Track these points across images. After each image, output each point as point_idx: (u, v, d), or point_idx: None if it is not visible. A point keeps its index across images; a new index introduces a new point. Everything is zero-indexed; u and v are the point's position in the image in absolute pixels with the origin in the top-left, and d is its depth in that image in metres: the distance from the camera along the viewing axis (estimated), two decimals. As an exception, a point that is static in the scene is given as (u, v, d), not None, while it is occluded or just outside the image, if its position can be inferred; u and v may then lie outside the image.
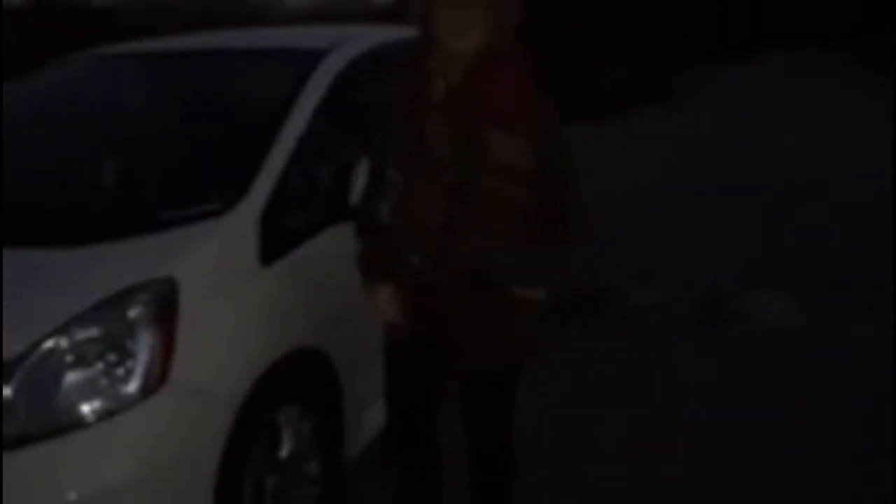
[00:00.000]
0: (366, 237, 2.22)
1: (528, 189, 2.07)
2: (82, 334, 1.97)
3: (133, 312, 2.02)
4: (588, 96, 10.01)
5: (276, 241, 2.40)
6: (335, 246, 2.50)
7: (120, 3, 14.65)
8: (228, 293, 2.24)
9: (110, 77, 3.09)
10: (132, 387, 1.98)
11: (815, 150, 7.83)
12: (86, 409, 1.94)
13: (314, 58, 2.86)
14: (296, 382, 2.44)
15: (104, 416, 1.95)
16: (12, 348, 1.92)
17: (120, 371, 1.99)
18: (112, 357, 1.99)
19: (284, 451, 2.42)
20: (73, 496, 1.90)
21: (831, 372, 3.68)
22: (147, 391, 1.99)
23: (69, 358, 1.96)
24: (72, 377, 1.97)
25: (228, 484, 2.16)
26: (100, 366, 1.98)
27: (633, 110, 10.60)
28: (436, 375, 2.28)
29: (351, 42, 3.05)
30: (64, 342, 1.97)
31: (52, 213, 2.39)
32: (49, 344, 1.95)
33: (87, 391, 1.96)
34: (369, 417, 2.77)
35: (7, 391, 1.91)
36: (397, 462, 2.43)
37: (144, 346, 2.00)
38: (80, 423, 1.94)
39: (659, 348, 4.09)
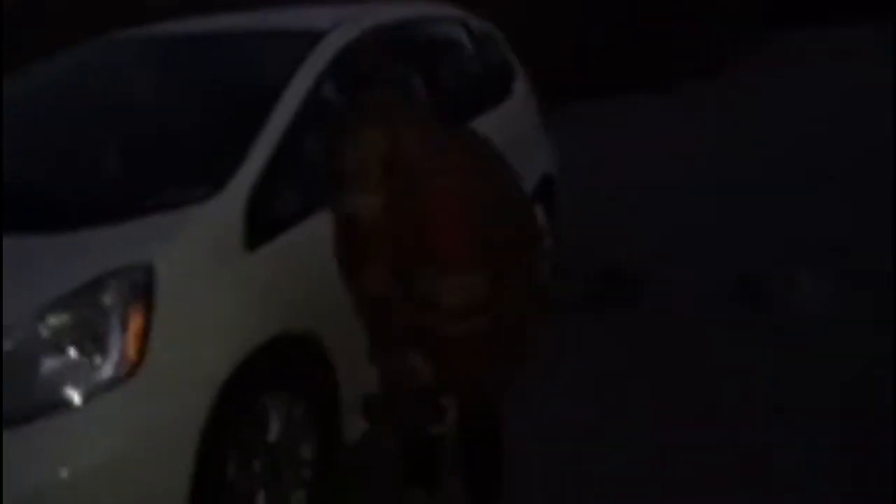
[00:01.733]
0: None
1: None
2: (57, 320, 2.00)
3: (107, 299, 2.04)
4: (644, 67, 9.87)
5: (262, 225, 2.39)
6: (325, 230, 2.49)
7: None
8: (210, 278, 2.25)
9: (99, 62, 3.12)
10: (107, 371, 2.01)
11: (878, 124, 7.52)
12: (65, 393, 1.98)
13: (311, 40, 2.84)
14: (284, 366, 2.45)
15: (84, 399, 1.98)
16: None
17: (96, 356, 2.02)
18: (87, 343, 2.02)
19: (272, 435, 2.43)
20: (64, 473, 1.93)
21: (865, 355, 3.58)
22: (122, 376, 2.02)
23: (46, 343, 2.00)
24: (49, 363, 2.00)
25: (211, 465, 2.17)
26: (75, 351, 2.01)
27: (689, 82, 10.37)
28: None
29: (350, 23, 3.01)
30: (41, 328, 2.00)
31: (33, 199, 2.42)
32: (25, 330, 1.98)
33: (65, 376, 1.99)
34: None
35: (-15, 376, 1.95)
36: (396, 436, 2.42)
37: (118, 331, 2.03)
38: (60, 407, 1.97)
39: (693, 327, 4.04)
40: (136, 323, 2.05)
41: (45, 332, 2.00)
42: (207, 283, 2.23)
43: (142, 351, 2.04)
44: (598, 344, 3.91)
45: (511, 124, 3.82)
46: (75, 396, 1.97)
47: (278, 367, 2.43)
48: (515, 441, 2.51)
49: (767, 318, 4.11)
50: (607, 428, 3.14)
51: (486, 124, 3.13)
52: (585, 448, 2.98)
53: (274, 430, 2.44)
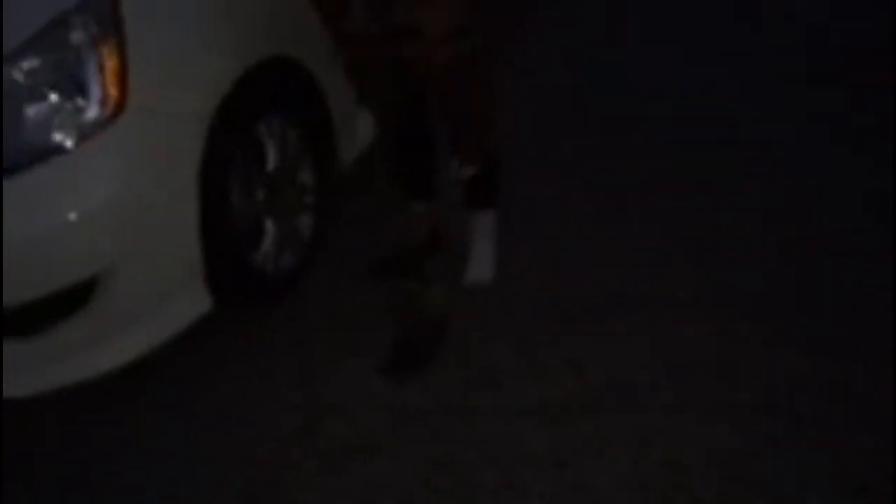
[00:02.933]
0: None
1: None
2: (27, 65, 1.93)
3: (75, 37, 1.95)
4: None
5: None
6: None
7: None
8: (181, 4, 2.14)
9: None
10: (92, 112, 1.96)
11: None
12: (55, 137, 1.94)
13: None
14: (272, 92, 2.40)
15: (75, 141, 1.95)
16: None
17: (77, 98, 1.96)
18: (66, 85, 1.96)
19: (271, 164, 2.44)
20: (72, 216, 1.95)
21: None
22: (109, 115, 1.97)
23: (24, 89, 1.94)
24: (32, 109, 1.95)
25: (215, 196, 2.20)
26: (55, 95, 1.95)
27: None
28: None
29: None
30: (15, 74, 1.93)
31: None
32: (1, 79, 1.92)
33: (51, 120, 1.95)
34: (361, 124, 2.74)
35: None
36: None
37: (94, 70, 1.96)
38: (53, 152, 1.95)
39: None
40: (110, 59, 1.97)
41: (20, 78, 1.94)
42: (180, 7, 2.12)
43: (123, 87, 1.98)
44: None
45: None
46: (66, 140, 1.94)
47: (270, 92, 2.37)
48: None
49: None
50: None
51: None
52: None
53: (272, 159, 2.44)
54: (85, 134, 1.96)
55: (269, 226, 2.44)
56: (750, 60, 3.61)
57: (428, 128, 2.38)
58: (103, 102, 1.97)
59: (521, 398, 2.12)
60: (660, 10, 4.14)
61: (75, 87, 1.96)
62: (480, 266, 2.50)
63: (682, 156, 3.02)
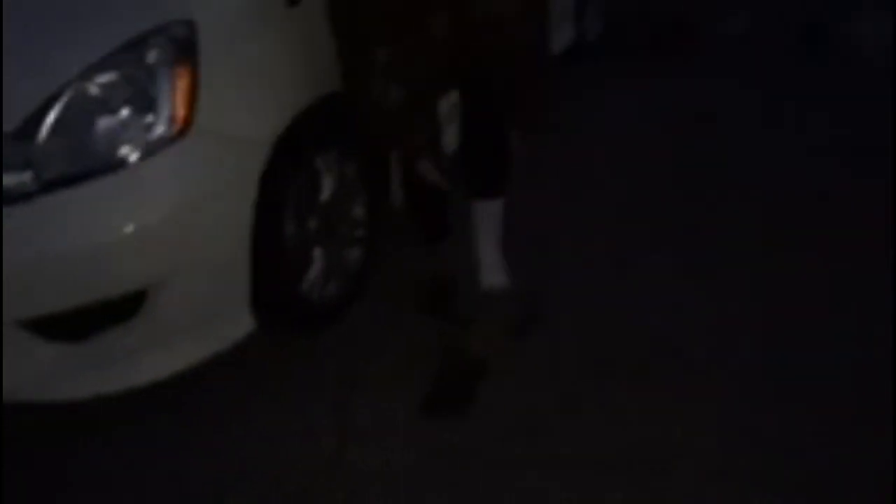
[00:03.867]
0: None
1: None
2: (105, 79, 2.00)
3: (151, 56, 2.02)
4: None
5: (302, -21, 2.31)
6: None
7: None
8: (254, 35, 2.21)
9: None
10: (159, 129, 2.02)
11: None
12: (122, 150, 2.00)
13: None
14: (333, 126, 2.45)
15: (140, 156, 2.00)
16: (36, 94, 1.97)
17: (147, 115, 2.02)
18: (138, 101, 2.02)
19: (325, 195, 2.48)
20: (129, 228, 1.99)
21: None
22: (175, 134, 2.03)
23: (97, 102, 2.00)
24: (103, 122, 2.01)
25: (268, 222, 2.24)
26: (127, 110, 2.02)
27: None
28: None
29: None
30: (90, 87, 2.00)
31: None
32: (75, 89, 1.99)
33: (119, 135, 2.01)
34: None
35: (42, 134, 1.97)
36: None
37: (166, 89, 2.02)
38: (118, 165, 2.00)
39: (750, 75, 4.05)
40: (182, 80, 2.04)
41: (94, 91, 2.00)
42: (251, 39, 2.19)
43: (191, 109, 2.04)
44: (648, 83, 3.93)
45: None
46: (132, 154, 2.00)
47: (329, 127, 2.43)
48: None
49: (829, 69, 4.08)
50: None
51: None
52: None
53: (327, 190, 2.48)
54: (150, 150, 2.02)
55: (318, 255, 2.47)
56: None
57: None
58: (171, 121, 2.02)
59: (555, 450, 2.09)
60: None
61: (146, 104, 2.02)
62: (493, 273, 2.46)
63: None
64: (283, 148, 2.24)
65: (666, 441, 2.10)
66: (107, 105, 2.01)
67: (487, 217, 2.47)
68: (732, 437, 2.10)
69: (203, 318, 2.18)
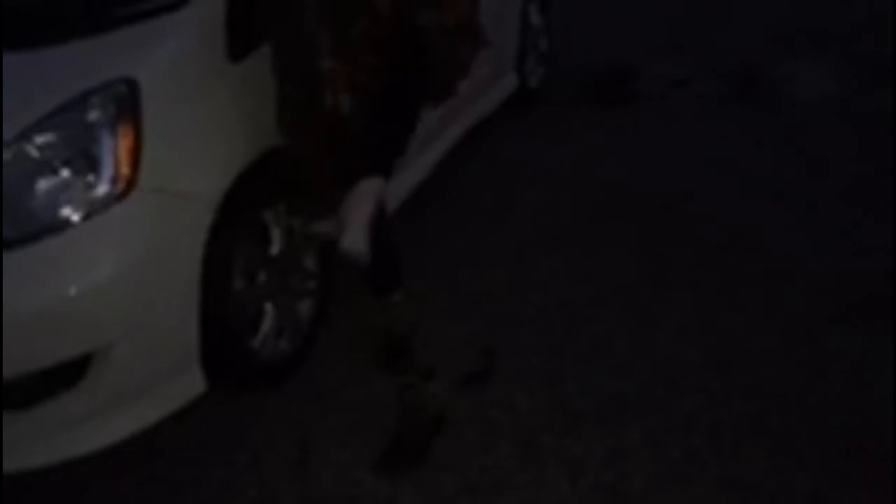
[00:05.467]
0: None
1: None
2: (44, 140, 1.96)
3: (92, 115, 1.98)
4: None
5: (243, 34, 2.29)
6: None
7: None
8: (196, 91, 2.18)
9: None
10: (102, 189, 1.98)
11: None
12: (63, 212, 1.96)
13: None
14: (279, 180, 2.42)
15: (82, 217, 1.96)
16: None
17: (89, 175, 1.98)
18: (79, 161, 1.98)
19: (275, 249, 2.45)
20: (73, 290, 1.94)
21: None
22: (118, 193, 1.99)
23: (37, 163, 1.96)
24: (43, 183, 1.97)
25: (217, 279, 2.20)
26: (67, 171, 1.97)
27: None
28: None
29: None
30: (29, 149, 1.96)
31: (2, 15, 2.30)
32: (13, 151, 1.94)
33: (61, 195, 1.97)
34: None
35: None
36: None
37: (108, 148, 1.99)
38: (60, 226, 1.95)
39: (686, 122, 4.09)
40: (125, 139, 2.00)
41: (33, 153, 1.96)
42: (195, 96, 2.17)
43: (135, 167, 2.01)
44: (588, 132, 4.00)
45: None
46: (74, 215, 1.96)
47: (276, 180, 2.40)
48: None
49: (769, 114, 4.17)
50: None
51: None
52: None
53: (276, 243, 2.45)
54: (93, 210, 1.97)
55: (269, 309, 2.44)
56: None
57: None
58: (114, 180, 1.99)
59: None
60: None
61: (88, 164, 1.99)
62: (353, 233, 2.14)
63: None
64: (230, 203, 2.21)
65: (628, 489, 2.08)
66: (47, 166, 1.97)
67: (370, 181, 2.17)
68: (696, 484, 2.09)
69: (152, 380, 2.12)
